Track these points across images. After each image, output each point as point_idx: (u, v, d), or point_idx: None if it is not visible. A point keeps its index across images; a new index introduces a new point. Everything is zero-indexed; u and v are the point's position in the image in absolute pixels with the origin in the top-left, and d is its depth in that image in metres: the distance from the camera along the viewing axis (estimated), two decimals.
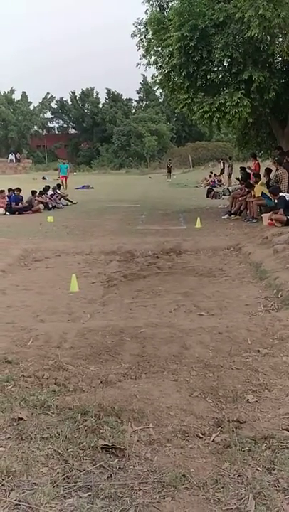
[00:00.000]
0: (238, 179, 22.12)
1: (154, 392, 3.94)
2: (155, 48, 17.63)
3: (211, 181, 35.21)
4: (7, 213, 19.75)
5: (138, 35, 18.21)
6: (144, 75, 73.81)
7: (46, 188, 23.08)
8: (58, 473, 2.98)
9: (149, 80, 20.21)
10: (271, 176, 16.88)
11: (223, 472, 2.99)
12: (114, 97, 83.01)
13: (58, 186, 26.33)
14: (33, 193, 21.29)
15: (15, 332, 5.49)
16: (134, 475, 2.99)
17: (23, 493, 2.79)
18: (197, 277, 8.90)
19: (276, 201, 13.63)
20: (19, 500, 2.72)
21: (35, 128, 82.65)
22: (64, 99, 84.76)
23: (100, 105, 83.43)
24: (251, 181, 17.44)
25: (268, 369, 4.41)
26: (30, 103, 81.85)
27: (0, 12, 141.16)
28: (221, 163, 42.62)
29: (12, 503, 2.70)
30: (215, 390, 4.03)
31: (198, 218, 15.24)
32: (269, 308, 6.69)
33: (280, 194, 13.49)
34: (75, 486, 2.87)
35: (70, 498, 2.77)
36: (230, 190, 24.91)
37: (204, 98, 15.82)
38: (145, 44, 17.98)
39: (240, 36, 14.71)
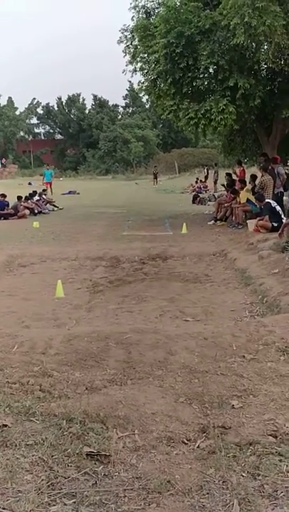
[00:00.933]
0: (223, 185, 22.22)
1: (139, 398, 3.93)
2: (141, 55, 17.70)
3: (197, 187, 35.33)
4: None
5: (124, 42, 18.30)
6: (130, 81, 74.05)
7: (33, 194, 23.02)
8: (42, 480, 2.96)
9: (136, 86, 20.30)
10: (256, 182, 16.98)
11: (208, 478, 2.99)
12: (100, 103, 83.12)
13: (44, 191, 26.25)
14: (19, 198, 21.22)
15: (0, 338, 5.45)
16: (119, 482, 2.98)
17: (8, 500, 2.77)
18: (183, 283, 8.91)
19: (262, 207, 13.71)
20: (3, 508, 2.70)
21: (21, 133, 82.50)
22: (50, 104, 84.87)
23: (87, 111, 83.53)
24: (237, 187, 17.53)
25: (253, 374, 4.42)
26: (17, 108, 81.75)
27: None
28: (205, 170, 42.80)
29: None
30: (200, 396, 4.04)
31: (184, 224, 15.28)
32: (254, 313, 6.72)
33: (266, 200, 13.57)
34: (59, 493, 2.86)
35: (54, 505, 2.75)
36: (216, 196, 25.00)
37: (190, 105, 15.90)
38: (131, 50, 18.05)
39: (226, 43, 14.80)
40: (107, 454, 3.23)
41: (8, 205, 20.54)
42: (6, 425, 3.56)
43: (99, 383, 4.28)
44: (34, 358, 4.84)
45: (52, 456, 3.19)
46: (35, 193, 23.32)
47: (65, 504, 2.76)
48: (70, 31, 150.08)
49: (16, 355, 4.94)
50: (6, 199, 20.67)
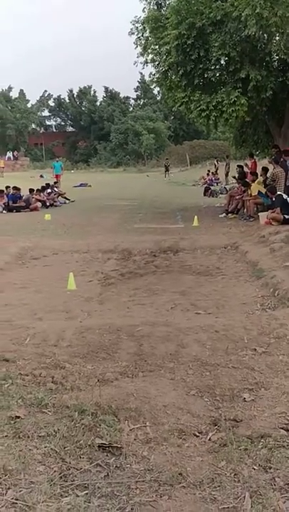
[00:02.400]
0: (234, 177, 22.12)
1: (150, 391, 3.95)
2: (152, 46, 17.62)
3: (208, 180, 35.20)
4: (4, 211, 19.74)
5: (135, 34, 18.21)
6: (141, 73, 73.79)
7: (46, 187, 23.07)
8: (54, 471, 2.98)
9: (147, 78, 20.21)
10: (268, 174, 16.89)
11: (220, 471, 3.00)
12: (111, 95, 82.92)
13: (55, 184, 26.29)
14: (31, 191, 21.29)
15: (12, 330, 5.48)
16: (130, 473, 3.00)
17: (20, 491, 2.79)
18: (194, 276, 8.90)
19: (273, 200, 13.64)
20: (16, 499, 2.72)
21: (33, 126, 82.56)
22: (62, 97, 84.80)
23: (98, 103, 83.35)
24: (248, 180, 17.45)
25: (265, 368, 4.42)
26: (28, 101, 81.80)
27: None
28: (215, 162, 42.56)
29: (9, 502, 2.70)
30: (211, 389, 4.04)
31: (196, 217, 15.23)
32: (266, 306, 6.70)
33: (278, 193, 13.51)
34: (72, 484, 2.88)
35: (67, 496, 2.77)
36: (228, 188, 24.92)
37: (201, 96, 15.82)
38: (143, 42, 17.97)
39: (238, 35, 14.72)
40: (119, 445, 3.25)
41: (20, 197, 20.62)
42: (18, 417, 3.58)
43: (110, 375, 4.30)
44: (46, 350, 4.86)
45: (64, 447, 3.21)
46: (48, 185, 23.37)
47: (77, 495, 2.78)
48: (83, 25, 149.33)
49: (28, 347, 4.97)
50: (19, 192, 20.77)
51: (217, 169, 39.26)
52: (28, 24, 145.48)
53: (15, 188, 20.70)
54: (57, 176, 31.67)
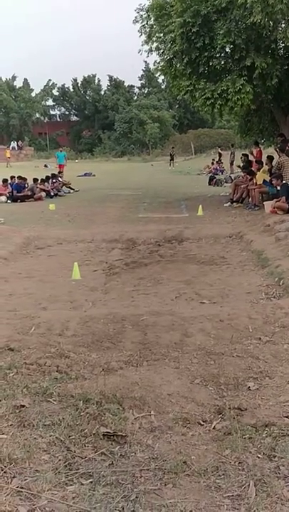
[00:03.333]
0: (239, 167, 22.03)
1: (155, 380, 3.95)
2: (157, 34, 17.45)
3: (213, 169, 35.06)
4: (9, 201, 19.74)
5: (140, 21, 18.05)
6: (146, 62, 73.43)
7: (49, 177, 23.04)
8: (59, 460, 3.00)
9: (151, 66, 20.09)
10: (273, 163, 16.80)
11: (224, 459, 3.01)
12: (116, 84, 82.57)
13: (60, 173, 26.25)
14: (35, 180, 21.27)
15: (17, 320, 5.50)
16: (135, 462, 3.01)
17: (25, 480, 2.80)
18: (199, 265, 8.89)
19: (279, 188, 13.59)
20: (21, 487, 2.74)
21: (37, 115, 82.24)
22: (66, 86, 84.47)
23: (102, 92, 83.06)
24: (253, 169, 17.37)
25: (269, 357, 4.42)
26: (32, 90, 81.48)
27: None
28: (219, 150, 42.29)
29: (14, 490, 2.72)
30: (216, 378, 4.05)
31: (200, 206, 15.20)
32: (270, 296, 6.69)
33: (283, 181, 13.45)
34: (76, 473, 2.89)
35: (71, 485, 2.79)
36: (233, 177, 24.82)
37: (206, 85, 15.71)
38: (147, 30, 17.81)
39: (243, 22, 14.58)
40: (124, 434, 3.26)
41: (25, 187, 20.62)
42: (23, 406, 3.60)
43: (115, 364, 4.31)
44: (51, 340, 4.88)
45: (69, 436, 3.23)
46: (54, 176, 23.34)
47: (82, 484, 2.79)
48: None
49: (33, 336, 4.98)
50: (25, 182, 20.81)
51: (221, 157, 39.03)
52: (34, 21, 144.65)
53: (20, 177, 20.69)
54: (60, 166, 31.58)
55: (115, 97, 78.57)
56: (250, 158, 19.94)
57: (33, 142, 77.00)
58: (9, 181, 20.66)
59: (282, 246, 9.08)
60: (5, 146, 61.76)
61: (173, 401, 3.69)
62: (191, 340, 4.81)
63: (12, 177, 20.82)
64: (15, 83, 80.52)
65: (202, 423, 3.44)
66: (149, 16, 17.67)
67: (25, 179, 20.87)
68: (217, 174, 31.22)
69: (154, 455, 3.07)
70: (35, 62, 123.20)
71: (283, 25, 14.98)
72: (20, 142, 67.41)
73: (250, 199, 16.30)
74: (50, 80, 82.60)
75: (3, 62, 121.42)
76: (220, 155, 39.77)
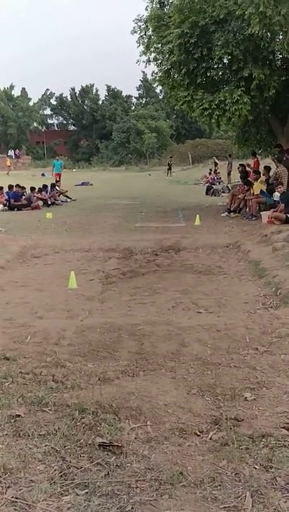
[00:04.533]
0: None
1: (151, 390, 3.94)
2: (155, 45, 17.55)
3: (211, 179, 35.13)
4: (5, 208, 19.74)
5: (138, 32, 18.16)
6: (144, 72, 73.73)
7: (45, 186, 23.04)
8: (55, 470, 2.98)
9: (149, 76, 20.18)
10: (271, 173, 16.86)
11: (221, 470, 2.99)
12: (113, 94, 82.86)
13: (57, 182, 26.27)
14: (32, 189, 21.29)
15: (13, 329, 5.48)
16: (131, 472, 2.99)
17: (20, 490, 2.79)
18: (196, 275, 8.89)
19: (279, 196, 13.62)
20: (16, 498, 2.72)
21: (35, 124, 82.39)
22: (64, 95, 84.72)
23: (100, 102, 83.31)
24: (251, 179, 17.42)
25: (266, 367, 4.41)
26: (30, 99, 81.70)
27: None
28: (215, 159, 42.25)
29: (9, 500, 2.70)
30: (213, 388, 4.03)
31: (198, 216, 15.22)
32: (268, 306, 6.69)
33: (283, 190, 13.52)
34: (72, 483, 2.87)
35: (67, 495, 2.77)
36: (230, 187, 24.87)
37: (204, 95, 15.78)
38: (145, 41, 17.91)
39: (241, 33, 14.67)
40: (120, 444, 3.24)
41: (22, 196, 20.64)
42: (19, 415, 3.58)
43: (111, 374, 4.29)
44: (47, 349, 4.86)
45: (64, 446, 3.21)
46: (46, 186, 23.36)
47: (78, 494, 2.77)
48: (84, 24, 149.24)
49: (29, 345, 4.97)
50: (22, 190, 20.81)
51: (217, 166, 38.99)
52: (30, 23, 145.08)
53: (18, 186, 20.71)
54: (57, 175, 31.57)
55: (113, 107, 78.82)
56: (247, 168, 20.00)
57: (31, 151, 77.15)
58: (6, 190, 20.66)
59: (279, 256, 9.09)
60: (5, 155, 61.81)
61: (169, 411, 3.67)
62: (187, 350, 4.80)
63: (11, 186, 20.81)
64: (13, 92, 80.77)
65: (199, 434, 3.43)
66: (147, 26, 17.77)
67: (23, 188, 20.89)
68: (214, 184, 31.28)
69: (150, 466, 3.05)
70: (27, 63, 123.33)
71: (281, 37, 15.07)
72: (17, 151, 67.44)
73: (247, 209, 16.33)
74: (48, 89, 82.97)
75: None
76: (216, 164, 39.76)
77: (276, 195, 14.11)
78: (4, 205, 19.93)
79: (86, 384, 4.13)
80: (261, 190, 15.48)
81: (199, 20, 14.90)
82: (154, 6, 18.01)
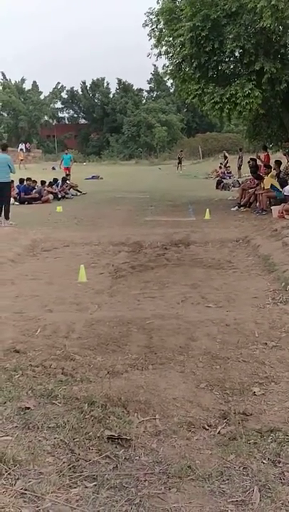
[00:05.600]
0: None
1: (160, 384, 3.95)
2: (166, 38, 17.48)
3: (221, 173, 34.99)
4: (16, 203, 19.78)
5: (149, 25, 18.07)
6: (155, 65, 73.39)
7: (62, 179, 23.11)
8: (64, 462, 3.00)
9: (160, 70, 20.14)
10: (281, 168, 16.79)
11: (229, 464, 3.00)
12: (124, 87, 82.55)
13: (67, 176, 26.29)
14: (43, 183, 21.32)
15: (23, 322, 5.51)
16: (139, 466, 3.00)
17: (30, 482, 2.81)
18: (205, 269, 8.88)
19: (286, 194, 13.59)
20: (25, 489, 2.74)
21: (46, 118, 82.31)
22: (74, 89, 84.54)
23: (111, 95, 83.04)
24: (261, 173, 17.35)
25: (275, 362, 4.41)
26: (41, 93, 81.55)
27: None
28: (225, 153, 42.01)
29: (18, 492, 2.72)
30: (221, 382, 4.04)
31: (208, 210, 15.17)
32: (277, 301, 6.67)
33: None
34: (80, 475, 2.89)
35: (75, 487, 2.79)
36: (240, 181, 24.77)
37: (215, 89, 15.72)
38: (156, 34, 17.83)
39: (252, 27, 14.61)
40: (128, 437, 3.26)
41: (32, 189, 20.66)
42: (28, 408, 3.60)
43: (120, 368, 4.31)
44: (57, 342, 4.88)
45: (73, 439, 3.23)
46: (64, 179, 23.39)
47: (86, 487, 2.79)
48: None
49: (39, 338, 4.99)
50: (33, 184, 20.84)
51: (227, 161, 38.79)
52: (41, 17, 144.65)
53: (29, 179, 20.74)
54: (66, 169, 31.55)
55: (124, 101, 78.56)
56: (258, 162, 19.90)
57: (41, 145, 77.12)
58: (17, 183, 20.68)
59: None
60: (17, 149, 61.79)
61: (178, 405, 3.68)
62: (196, 345, 4.80)
63: (22, 180, 20.83)
64: (24, 86, 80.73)
65: (207, 428, 3.44)
66: (158, 19, 17.68)
67: (34, 181, 20.92)
68: (225, 178, 31.17)
69: (159, 459, 3.06)
70: (33, 56, 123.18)
71: None
72: (28, 144, 67.46)
73: (257, 203, 16.27)
74: (58, 82, 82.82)
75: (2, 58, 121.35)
76: (225, 158, 39.55)
77: (287, 189, 14.05)
78: (15, 199, 19.97)
79: (95, 377, 4.15)
80: (271, 184, 15.41)
81: (211, 14, 14.83)
82: None
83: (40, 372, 4.24)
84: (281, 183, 14.80)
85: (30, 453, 3.06)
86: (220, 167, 37.14)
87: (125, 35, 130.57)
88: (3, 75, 76.54)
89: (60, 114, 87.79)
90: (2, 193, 14.14)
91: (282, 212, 12.90)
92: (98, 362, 4.47)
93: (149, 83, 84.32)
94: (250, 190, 17.10)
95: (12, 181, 20.32)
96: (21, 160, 49.63)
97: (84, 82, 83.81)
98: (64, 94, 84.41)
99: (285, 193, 14.18)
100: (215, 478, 2.87)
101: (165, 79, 27.96)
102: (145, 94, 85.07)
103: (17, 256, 9.72)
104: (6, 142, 27.84)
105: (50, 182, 21.91)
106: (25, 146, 63.26)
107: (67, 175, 26.94)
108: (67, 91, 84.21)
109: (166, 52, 17.95)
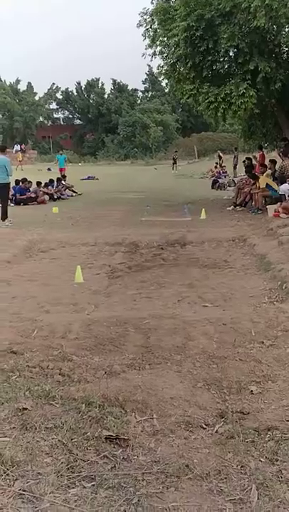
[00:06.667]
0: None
1: (157, 383, 3.95)
2: (161, 38, 17.49)
3: (216, 172, 35.00)
4: (12, 204, 19.73)
5: (144, 25, 18.09)
6: (149, 65, 73.44)
7: (57, 181, 23.09)
8: (62, 463, 3.00)
9: (155, 70, 20.18)
10: (277, 167, 16.81)
11: (227, 463, 3.01)
12: (119, 88, 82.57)
13: (63, 177, 26.28)
14: (39, 184, 21.29)
15: (20, 323, 5.51)
16: (137, 465, 3.01)
17: (28, 482, 2.81)
18: (202, 269, 8.89)
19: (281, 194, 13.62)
20: (24, 490, 2.74)
21: (41, 119, 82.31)
22: (69, 89, 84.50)
23: (106, 96, 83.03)
24: (257, 172, 17.36)
25: (272, 360, 4.42)
26: (36, 94, 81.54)
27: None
28: (220, 153, 42.00)
29: (16, 493, 2.72)
30: (219, 381, 4.04)
31: (203, 209, 15.19)
32: (273, 299, 6.68)
33: None
34: (79, 476, 2.89)
35: (74, 487, 2.79)
36: (236, 181, 24.79)
37: (210, 88, 15.75)
38: (151, 34, 17.84)
39: (247, 26, 14.62)
40: (126, 437, 3.26)
41: (28, 190, 20.62)
42: (26, 408, 3.60)
43: (118, 368, 4.31)
44: (54, 343, 4.88)
45: (71, 439, 3.23)
46: (58, 180, 23.35)
47: (84, 487, 2.79)
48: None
49: (35, 339, 4.99)
50: (28, 185, 20.80)
51: (222, 161, 38.77)
52: (36, 20, 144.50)
53: (24, 181, 20.70)
54: (61, 170, 31.51)
55: (119, 101, 78.57)
56: (254, 161, 19.92)
57: (37, 146, 77.02)
58: (13, 185, 20.63)
59: (285, 250, 9.08)
60: (13, 150, 61.59)
61: (175, 404, 3.69)
62: (193, 344, 4.81)
63: (18, 182, 20.77)
64: (19, 87, 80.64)
65: (204, 427, 3.44)
66: (153, 20, 17.70)
67: (29, 182, 20.88)
68: (220, 178, 31.18)
69: (157, 458, 3.07)
70: (34, 60, 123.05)
71: (287, 30, 15.10)
72: (23, 145, 67.36)
73: (253, 203, 16.29)
74: (53, 83, 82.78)
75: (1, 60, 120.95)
76: (220, 158, 39.56)
77: (283, 188, 14.06)
78: (10, 200, 19.92)
79: (92, 377, 4.15)
80: (267, 183, 15.43)
81: (205, 13, 14.85)
82: None
83: (37, 373, 4.24)
84: (282, 180, 14.78)
85: (28, 454, 3.06)
86: (215, 167, 37.15)
87: (120, 36, 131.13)
88: None
89: (55, 115, 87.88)
90: (0, 195, 14.13)
91: (277, 211, 12.92)
92: (95, 362, 4.48)
93: (143, 83, 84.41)
94: (245, 190, 17.11)
95: (9, 183, 20.33)
96: (20, 161, 49.57)
97: (79, 83, 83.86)
98: (59, 95, 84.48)
99: (280, 193, 14.20)
100: (213, 476, 2.87)
101: (160, 79, 28.02)
102: (140, 94, 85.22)
103: (13, 257, 9.71)
104: (3, 144, 27.78)
105: (45, 183, 21.89)
106: (21, 147, 63.15)
107: (63, 176, 26.92)
108: (62, 92, 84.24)
109: (161, 53, 17.98)
